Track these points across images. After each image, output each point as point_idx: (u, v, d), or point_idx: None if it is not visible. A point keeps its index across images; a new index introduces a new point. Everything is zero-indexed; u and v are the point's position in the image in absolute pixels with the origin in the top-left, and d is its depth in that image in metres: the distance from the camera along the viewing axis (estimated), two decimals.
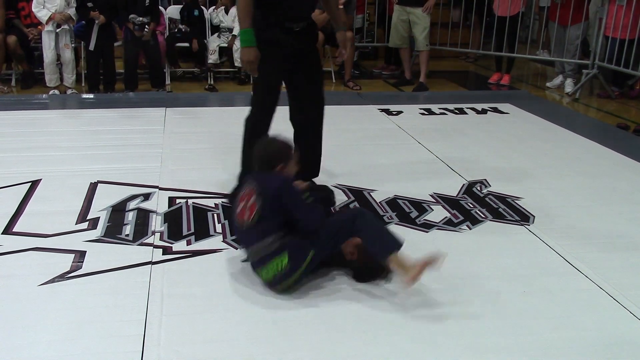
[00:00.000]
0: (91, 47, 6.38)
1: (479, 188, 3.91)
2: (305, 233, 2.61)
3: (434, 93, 6.92)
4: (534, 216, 3.49)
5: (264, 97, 3.47)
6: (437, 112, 5.87)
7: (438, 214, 3.51)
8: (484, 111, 5.95)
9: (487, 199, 3.74)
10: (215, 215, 3.42)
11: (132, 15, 6.48)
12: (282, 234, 2.58)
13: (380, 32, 8.41)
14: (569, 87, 7.10)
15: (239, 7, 3.31)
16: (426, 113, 5.84)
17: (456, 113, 5.87)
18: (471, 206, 3.63)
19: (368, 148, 4.71)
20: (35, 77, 6.67)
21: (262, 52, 3.27)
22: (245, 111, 3.52)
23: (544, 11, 7.61)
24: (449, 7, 8.51)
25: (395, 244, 2.59)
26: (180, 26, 7.14)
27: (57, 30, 6.29)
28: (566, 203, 3.72)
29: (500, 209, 3.58)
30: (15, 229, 3.20)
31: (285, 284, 2.60)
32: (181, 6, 7.26)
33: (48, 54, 6.34)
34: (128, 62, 6.68)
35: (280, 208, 2.60)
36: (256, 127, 3.44)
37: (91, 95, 6.42)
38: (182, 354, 2.23)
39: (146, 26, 6.56)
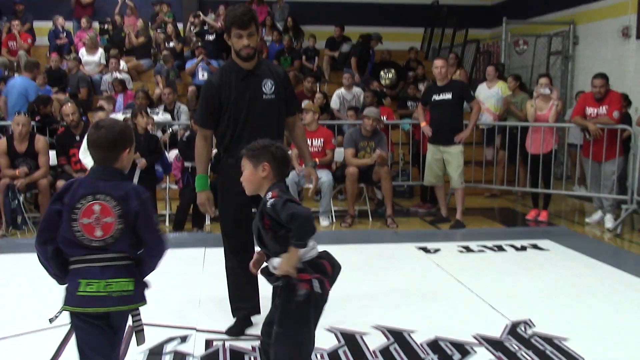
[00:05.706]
0: None
1: (523, 328, 3.78)
2: (147, 260, 2.37)
3: (471, 230, 6.90)
4: (583, 359, 3.33)
5: (232, 231, 3.62)
6: (476, 250, 5.82)
7: (482, 356, 3.38)
8: (523, 248, 5.88)
9: (532, 340, 3.60)
10: (252, 358, 3.36)
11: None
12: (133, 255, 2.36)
13: (415, 171, 8.58)
14: (609, 222, 7.01)
15: (196, 155, 3.64)
16: (464, 250, 5.80)
17: (495, 250, 5.81)
18: (516, 348, 3.49)
19: (407, 288, 4.65)
20: None
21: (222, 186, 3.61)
22: None
23: (575, 148, 7.68)
24: (482, 146, 8.70)
25: None
26: None
27: None
28: (616, 344, 3.55)
29: (547, 352, 3.43)
30: None
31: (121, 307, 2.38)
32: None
33: None
34: (184, 205, 6.88)
35: (134, 225, 2.33)
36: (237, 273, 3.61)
37: None
38: None
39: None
